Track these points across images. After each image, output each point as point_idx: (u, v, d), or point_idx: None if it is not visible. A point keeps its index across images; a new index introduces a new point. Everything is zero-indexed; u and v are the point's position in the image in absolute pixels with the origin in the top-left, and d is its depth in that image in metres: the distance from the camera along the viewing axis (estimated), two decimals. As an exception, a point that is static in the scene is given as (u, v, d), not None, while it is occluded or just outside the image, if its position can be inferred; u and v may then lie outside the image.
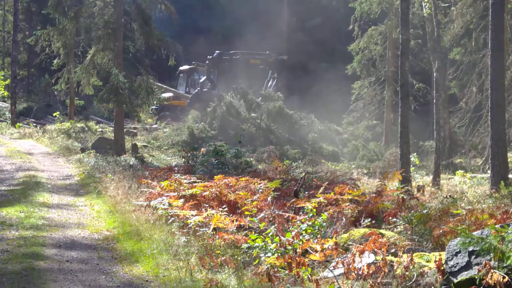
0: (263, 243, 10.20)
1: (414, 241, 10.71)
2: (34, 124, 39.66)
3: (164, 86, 46.74)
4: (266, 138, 34.60)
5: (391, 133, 37.53)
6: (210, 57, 44.43)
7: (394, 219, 12.16)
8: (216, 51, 44.95)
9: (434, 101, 25.26)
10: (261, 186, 14.99)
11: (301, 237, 10.07)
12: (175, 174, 17.46)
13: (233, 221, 11.95)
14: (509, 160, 19.29)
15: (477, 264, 7.90)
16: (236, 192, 14.53)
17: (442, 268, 8.37)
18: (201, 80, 44.55)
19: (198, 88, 44.27)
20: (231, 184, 15.16)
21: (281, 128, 36.06)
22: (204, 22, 57.77)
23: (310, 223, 11.08)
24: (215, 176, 16.12)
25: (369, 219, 12.30)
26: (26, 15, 50.37)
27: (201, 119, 36.39)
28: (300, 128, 36.73)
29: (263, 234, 10.71)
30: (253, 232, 11.35)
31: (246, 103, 36.94)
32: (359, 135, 39.18)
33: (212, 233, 11.51)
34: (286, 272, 9.12)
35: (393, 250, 9.85)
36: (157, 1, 29.92)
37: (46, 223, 13.19)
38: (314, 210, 12.05)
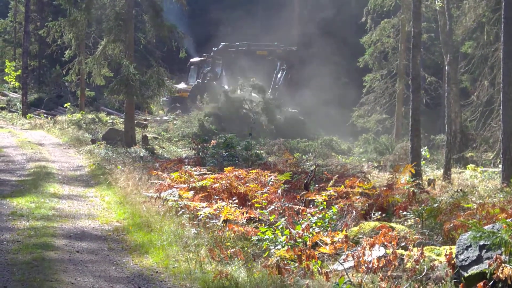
0: (273, 236, 10.18)
1: (425, 235, 10.70)
2: (45, 115, 39.73)
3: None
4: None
5: (402, 126, 37.45)
6: (215, 49, 44.47)
7: (405, 213, 12.15)
8: (222, 43, 44.96)
9: (446, 94, 25.16)
10: (271, 179, 15.00)
11: (311, 230, 10.06)
12: (185, 166, 17.46)
13: (243, 213, 11.95)
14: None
15: (488, 258, 7.88)
16: (246, 184, 14.53)
17: (453, 262, 8.36)
18: (204, 71, 44.53)
19: (198, 80, 44.25)
20: (241, 176, 15.16)
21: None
22: (215, 14, 57.69)
23: (320, 216, 11.06)
24: (225, 168, 16.13)
25: (380, 213, 12.30)
26: (37, 6, 50.30)
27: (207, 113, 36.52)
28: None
29: (273, 226, 10.68)
30: (263, 225, 11.35)
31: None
32: (370, 128, 39.15)
33: (222, 225, 11.52)
34: (296, 264, 9.12)
35: (403, 244, 9.84)
36: (169, -7, 29.94)
37: (56, 213, 13.22)
38: (325, 203, 12.03)
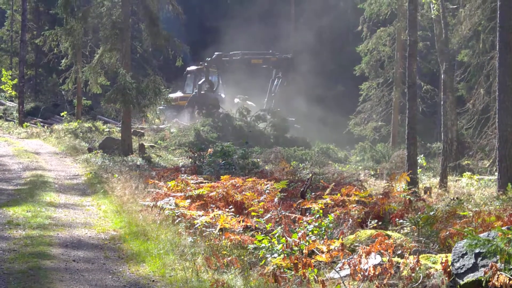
0: (269, 244, 10.20)
1: (421, 243, 10.70)
2: (42, 123, 39.70)
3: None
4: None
5: (398, 134, 37.50)
6: (209, 59, 44.53)
7: (401, 221, 12.15)
8: (215, 53, 45.02)
9: (442, 102, 25.20)
10: (268, 187, 14.99)
11: (307, 238, 10.07)
12: (182, 175, 17.47)
13: (239, 221, 11.95)
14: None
15: (484, 266, 7.89)
16: (243, 192, 14.53)
17: (449, 269, 8.37)
18: (199, 83, 44.52)
19: (196, 91, 44.21)
20: (238, 184, 15.16)
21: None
22: (211, 22, 57.79)
23: (316, 224, 11.08)
24: (222, 177, 16.13)
25: (376, 221, 12.29)
26: (34, 15, 50.37)
27: (205, 123, 36.55)
28: None
29: (270, 234, 10.70)
30: (260, 233, 11.35)
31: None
32: (367, 136, 39.22)
33: (218, 233, 11.52)
34: (292, 273, 9.12)
35: (399, 252, 9.85)
36: (165, 2, 29.99)
37: (52, 222, 13.21)
38: (321, 211, 12.04)
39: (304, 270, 8.95)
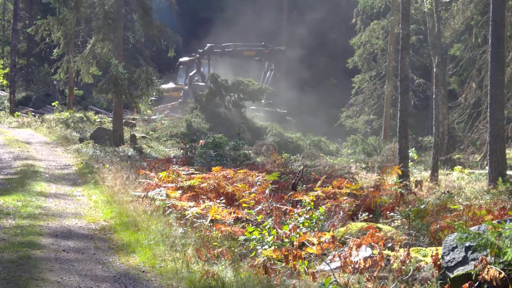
0: (260, 236, 10.19)
1: (411, 236, 10.72)
2: (33, 113, 39.63)
3: None
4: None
5: (390, 127, 37.48)
6: (201, 50, 44.43)
7: (392, 214, 12.18)
8: (207, 44, 44.93)
9: (434, 96, 25.26)
10: (259, 179, 15.01)
11: (298, 230, 10.07)
12: (173, 166, 17.46)
13: (230, 213, 11.95)
14: (507, 156, 19.30)
15: (474, 259, 7.89)
16: (234, 184, 14.54)
17: (439, 263, 8.37)
18: (190, 74, 44.40)
19: (187, 86, 44.10)
20: (229, 176, 15.16)
21: None
22: (204, 14, 57.62)
23: (307, 216, 11.08)
24: (213, 168, 16.14)
25: (367, 213, 12.31)
26: (26, 4, 50.22)
27: (196, 114, 36.46)
28: None
29: (261, 226, 10.69)
30: (251, 225, 11.35)
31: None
32: (359, 129, 39.21)
33: (209, 224, 11.51)
34: (283, 264, 9.12)
35: (390, 244, 9.86)
36: (158, -8, 29.91)
37: (43, 212, 13.17)
38: (312, 203, 12.05)
39: (294, 262, 8.95)
